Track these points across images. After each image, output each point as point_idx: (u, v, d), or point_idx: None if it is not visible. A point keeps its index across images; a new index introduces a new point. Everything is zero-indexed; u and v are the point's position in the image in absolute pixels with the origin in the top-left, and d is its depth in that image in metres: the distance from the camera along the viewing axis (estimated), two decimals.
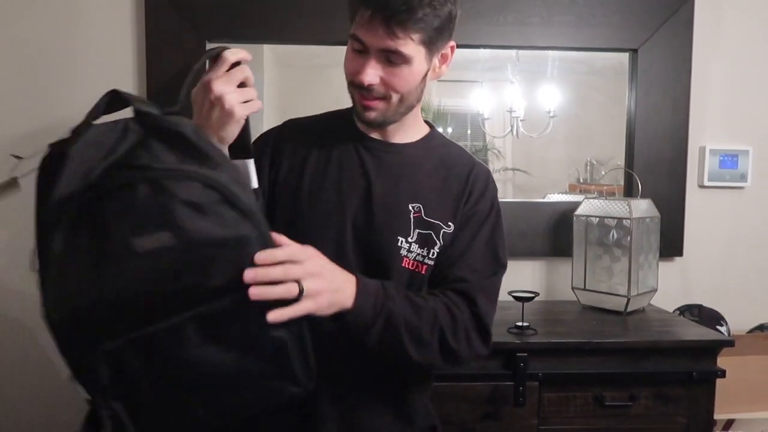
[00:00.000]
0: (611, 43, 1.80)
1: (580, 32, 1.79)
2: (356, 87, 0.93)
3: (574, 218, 1.73)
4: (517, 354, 1.38)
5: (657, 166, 1.81)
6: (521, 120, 2.02)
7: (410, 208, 0.97)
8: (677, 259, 1.86)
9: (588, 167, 2.11)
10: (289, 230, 0.81)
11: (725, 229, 1.89)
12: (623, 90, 1.86)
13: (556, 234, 1.82)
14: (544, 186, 2.06)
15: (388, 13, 0.85)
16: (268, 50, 1.91)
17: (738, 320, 1.80)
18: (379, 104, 0.93)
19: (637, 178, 1.76)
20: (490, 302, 1.00)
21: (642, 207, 1.67)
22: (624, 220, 1.63)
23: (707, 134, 1.86)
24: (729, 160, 1.86)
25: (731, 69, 1.86)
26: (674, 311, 1.77)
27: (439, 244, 0.97)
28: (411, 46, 0.88)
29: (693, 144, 1.84)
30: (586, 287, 1.70)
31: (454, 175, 1.02)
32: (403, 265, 0.96)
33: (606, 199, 1.71)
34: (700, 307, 1.78)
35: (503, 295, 1.57)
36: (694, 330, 1.54)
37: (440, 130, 2.17)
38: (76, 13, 1.70)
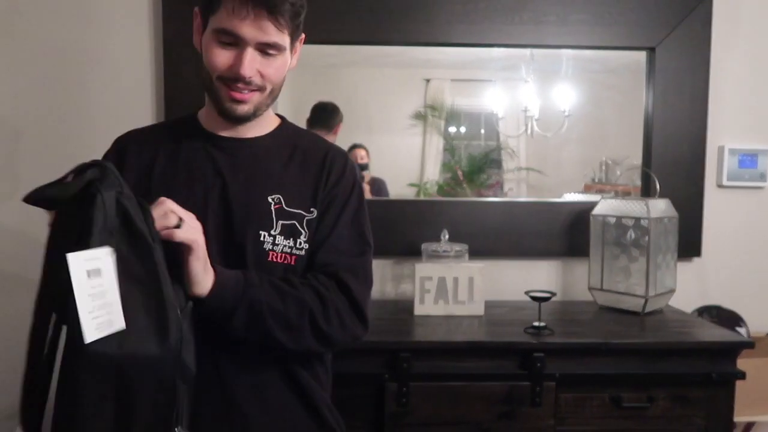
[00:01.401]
0: (628, 41, 1.79)
1: (596, 31, 1.78)
2: (228, 81, 0.92)
3: (591, 218, 1.72)
4: (534, 354, 1.37)
5: (675, 165, 1.79)
6: (536, 119, 2.01)
7: (270, 200, 0.96)
8: (695, 259, 1.84)
9: (603, 167, 2.09)
10: None
11: (744, 230, 1.86)
12: (639, 89, 1.85)
13: (572, 234, 1.81)
14: (558, 186, 2.05)
15: (270, 6, 0.87)
16: None
17: (757, 321, 1.77)
18: (252, 96, 0.93)
19: (654, 177, 1.74)
20: (361, 283, 0.99)
21: (660, 207, 1.65)
22: (642, 220, 1.62)
23: (726, 133, 1.84)
24: (748, 159, 1.83)
25: (750, 67, 1.84)
26: (692, 312, 1.76)
27: (304, 233, 0.97)
28: (284, 37, 0.91)
29: (711, 143, 1.82)
30: (603, 287, 1.69)
31: (310, 160, 1.01)
32: (270, 259, 0.95)
33: (623, 198, 1.70)
34: (718, 308, 1.76)
35: (520, 295, 1.58)
36: (713, 331, 1.53)
37: (454, 129, 2.14)
38: (94, 10, 1.71)
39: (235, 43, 0.90)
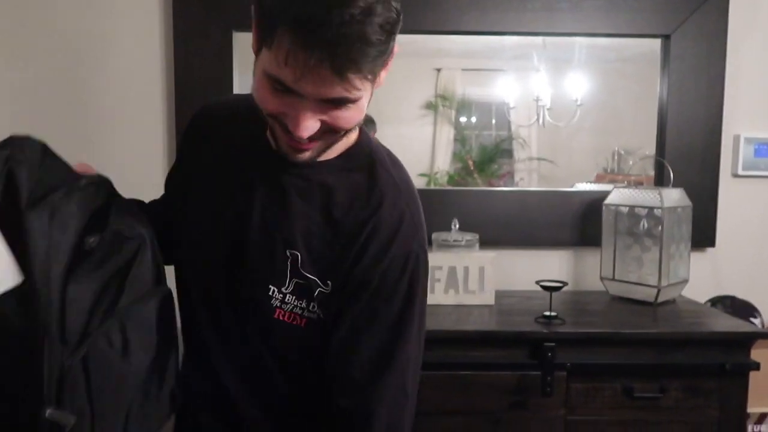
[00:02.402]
0: (643, 29, 1.76)
1: (610, 18, 1.75)
2: (283, 124, 0.71)
3: (604, 207, 1.70)
4: (545, 344, 1.36)
5: (689, 154, 1.77)
6: (547, 109, 2.00)
7: (288, 254, 0.78)
8: (709, 249, 1.82)
9: (615, 157, 2.07)
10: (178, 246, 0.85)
11: (759, 220, 1.84)
12: (654, 77, 1.82)
13: (584, 223, 1.79)
14: (570, 176, 2.04)
15: (341, 61, 0.63)
16: None
17: None
18: (315, 144, 0.73)
19: (668, 166, 1.72)
20: None
21: (673, 196, 1.64)
22: (655, 210, 1.60)
23: (742, 122, 1.81)
24: (764, 148, 1.80)
25: (767, 55, 1.80)
26: (706, 302, 1.74)
27: (314, 304, 0.78)
28: (363, 86, 0.68)
29: (727, 132, 1.79)
30: (615, 277, 1.67)
31: (347, 221, 0.78)
32: (276, 317, 0.78)
33: (636, 188, 1.68)
34: (732, 298, 1.74)
35: (531, 285, 1.58)
36: (727, 321, 1.51)
37: (465, 118, 2.12)
38: (105, 3, 1.71)
39: (293, 92, 0.67)
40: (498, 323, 1.48)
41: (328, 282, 0.77)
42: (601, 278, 1.71)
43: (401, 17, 0.67)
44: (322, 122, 0.70)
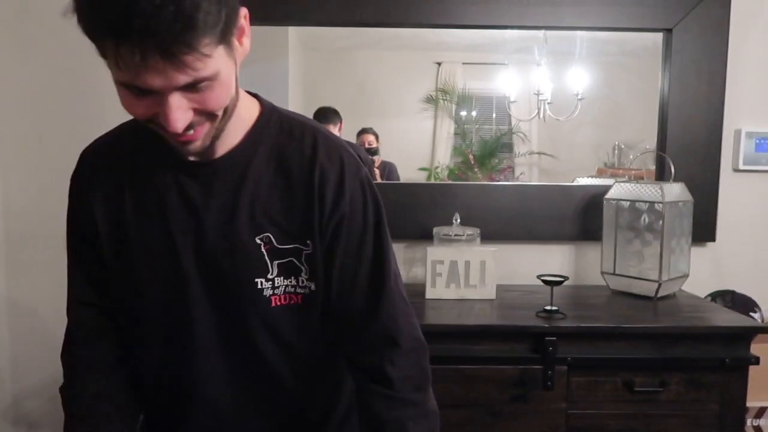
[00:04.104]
0: (644, 22, 1.76)
1: (612, 12, 1.74)
2: (160, 127, 0.69)
3: (605, 202, 1.70)
4: (546, 338, 1.37)
5: (690, 149, 1.77)
6: (548, 103, 1.99)
7: (258, 241, 0.78)
8: (710, 244, 1.82)
9: (616, 151, 2.07)
10: (125, 299, 0.82)
11: (760, 214, 1.84)
12: (655, 71, 1.82)
13: (585, 218, 1.79)
14: (571, 170, 2.04)
15: (167, 44, 0.59)
16: (293, 33, 1.90)
17: None
18: (199, 132, 0.70)
19: (669, 161, 1.72)
20: (408, 343, 0.84)
21: (674, 191, 1.64)
22: (656, 204, 1.60)
23: (743, 116, 1.81)
24: (765, 143, 1.80)
25: None
26: (706, 297, 1.74)
27: (305, 269, 0.80)
28: (212, 59, 0.64)
29: (728, 126, 1.79)
30: (616, 272, 1.68)
31: (296, 176, 0.79)
32: (274, 305, 0.79)
33: (637, 182, 1.68)
34: (732, 293, 1.75)
35: (532, 279, 1.58)
36: (727, 316, 1.52)
37: (465, 112, 2.10)
38: None
39: (148, 90, 0.64)
40: (499, 317, 1.49)
41: (308, 242, 0.79)
42: (602, 273, 1.71)
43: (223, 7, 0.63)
44: (194, 110, 0.68)
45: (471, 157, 2.12)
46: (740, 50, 1.78)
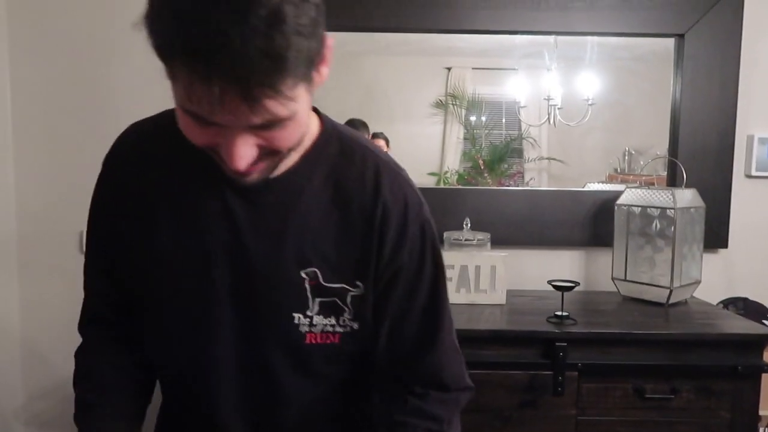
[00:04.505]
0: (656, 28, 1.75)
1: (623, 17, 1.74)
2: (217, 154, 0.63)
3: (616, 208, 1.70)
4: (557, 343, 1.36)
5: (702, 154, 1.76)
6: (558, 108, 1.99)
7: (302, 275, 0.72)
8: (722, 250, 1.81)
9: (626, 157, 2.06)
10: (145, 312, 0.75)
11: None
12: (667, 76, 1.81)
13: (595, 224, 1.79)
14: (581, 176, 2.03)
15: (251, 86, 0.53)
16: None
17: None
18: (260, 166, 0.64)
19: (681, 167, 1.72)
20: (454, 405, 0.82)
21: (686, 197, 1.63)
22: (668, 210, 1.60)
23: (756, 122, 1.80)
24: None
25: None
26: (718, 304, 1.73)
27: (349, 311, 0.74)
28: (293, 100, 0.58)
29: (741, 132, 1.78)
30: (627, 278, 1.67)
31: (356, 209, 0.73)
32: (308, 341, 0.73)
33: (649, 188, 1.68)
34: (744, 300, 1.73)
35: (542, 285, 1.57)
36: (739, 323, 1.50)
37: (475, 117, 2.10)
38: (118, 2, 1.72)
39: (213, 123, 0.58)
40: (509, 322, 1.48)
41: (358, 283, 0.73)
42: (613, 279, 1.71)
43: (322, 12, 0.57)
44: (259, 146, 0.61)
45: (480, 162, 2.12)
46: (753, 55, 1.77)
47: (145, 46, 1.80)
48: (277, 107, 0.56)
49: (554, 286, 1.47)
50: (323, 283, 0.72)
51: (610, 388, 1.39)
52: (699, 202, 1.67)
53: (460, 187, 2.05)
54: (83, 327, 0.84)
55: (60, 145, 1.75)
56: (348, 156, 0.74)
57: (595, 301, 1.67)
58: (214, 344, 0.74)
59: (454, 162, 2.12)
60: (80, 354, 0.83)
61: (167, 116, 0.75)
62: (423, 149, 2.13)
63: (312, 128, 0.73)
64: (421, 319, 0.77)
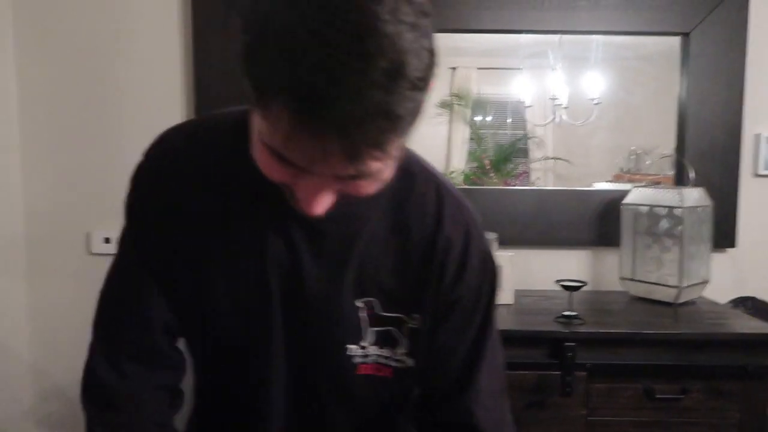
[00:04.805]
0: (661, 26, 1.75)
1: (628, 16, 1.74)
2: (290, 190, 0.58)
3: (622, 207, 1.69)
4: (565, 343, 1.35)
5: (710, 154, 1.75)
6: (564, 107, 1.98)
7: (359, 304, 0.70)
8: (730, 250, 1.80)
9: (632, 156, 2.06)
10: (194, 338, 0.73)
11: None
12: (673, 75, 1.81)
13: (602, 223, 1.78)
14: (586, 175, 2.02)
15: (358, 146, 0.48)
16: None
17: None
18: (332, 205, 0.58)
19: (688, 166, 1.71)
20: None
21: (694, 196, 1.62)
22: (675, 210, 1.59)
23: (763, 121, 1.79)
24: None
25: None
26: (727, 303, 1.72)
27: (403, 342, 0.72)
28: (393, 156, 0.54)
29: (748, 131, 1.77)
30: (635, 277, 1.66)
31: (415, 241, 0.70)
32: (359, 372, 0.71)
33: (656, 187, 1.67)
34: (753, 299, 1.72)
35: (550, 284, 1.57)
36: (749, 323, 1.49)
37: (480, 117, 2.09)
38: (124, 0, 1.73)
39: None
40: (517, 322, 1.48)
41: (416, 315, 0.71)
42: (621, 278, 1.70)
43: (437, 53, 0.51)
44: (340, 191, 0.56)
45: (486, 162, 2.11)
46: (759, 54, 1.76)
47: (152, 45, 1.81)
48: (376, 164, 0.52)
49: (563, 286, 1.46)
50: (379, 312, 0.70)
51: (619, 389, 1.38)
52: (706, 201, 1.66)
53: (465, 186, 2.05)
54: (119, 366, 0.72)
55: (67, 145, 1.75)
56: (409, 179, 0.70)
57: (603, 301, 1.67)
58: (264, 368, 0.71)
59: (459, 162, 2.12)
60: (115, 412, 0.73)
61: (216, 125, 0.70)
62: (428, 150, 2.10)
63: None
64: (468, 347, 0.74)
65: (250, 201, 0.67)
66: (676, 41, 1.79)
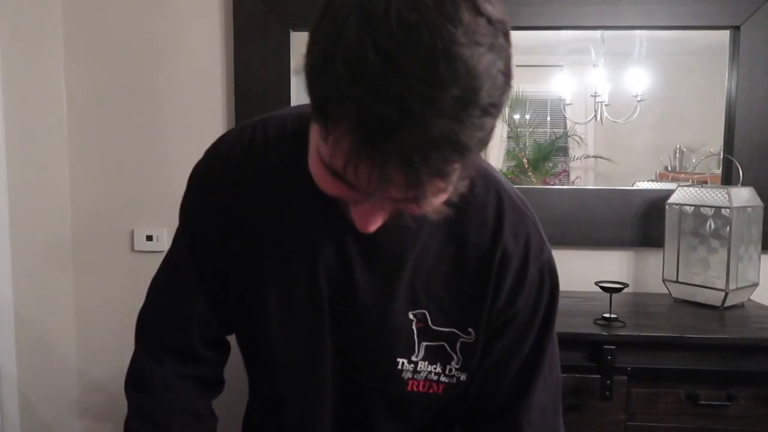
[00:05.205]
0: (710, 20, 1.69)
1: (674, 10, 1.68)
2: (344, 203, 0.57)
3: (667, 207, 1.64)
4: (605, 346, 1.33)
5: (760, 151, 1.69)
6: (606, 105, 1.94)
7: (410, 317, 0.68)
8: None
9: (677, 154, 2.00)
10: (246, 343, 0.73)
11: None
12: (720, 70, 1.74)
13: (645, 223, 1.73)
14: (629, 174, 1.97)
15: (421, 175, 0.46)
16: None
17: None
18: (384, 221, 0.57)
19: (737, 164, 1.65)
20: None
21: (743, 195, 1.56)
22: (723, 210, 1.53)
23: None
24: None
25: None
26: None
27: (457, 359, 0.69)
28: (453, 182, 0.51)
29: None
30: (679, 279, 1.61)
31: (471, 251, 0.67)
32: (409, 389, 0.70)
33: (702, 187, 1.61)
34: None
35: (589, 286, 1.54)
36: None
37: (519, 116, 2.07)
38: (166, 2, 1.77)
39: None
40: (556, 324, 1.45)
41: (470, 330, 0.68)
42: (664, 280, 1.65)
43: (512, 73, 0.48)
44: (395, 210, 0.55)
45: (525, 160, 2.08)
46: None
47: (194, 48, 1.85)
48: (435, 191, 0.49)
49: (602, 288, 1.43)
50: (432, 326, 0.68)
51: (661, 394, 1.34)
52: (757, 201, 1.60)
53: None
54: (157, 355, 0.76)
55: (111, 146, 1.81)
56: (469, 183, 0.65)
57: (644, 303, 1.62)
58: (313, 376, 0.71)
59: (497, 161, 2.09)
60: (149, 394, 0.76)
61: (268, 132, 0.69)
62: None
63: None
64: (523, 362, 0.72)
65: (304, 209, 0.67)
66: (725, 35, 1.72)
